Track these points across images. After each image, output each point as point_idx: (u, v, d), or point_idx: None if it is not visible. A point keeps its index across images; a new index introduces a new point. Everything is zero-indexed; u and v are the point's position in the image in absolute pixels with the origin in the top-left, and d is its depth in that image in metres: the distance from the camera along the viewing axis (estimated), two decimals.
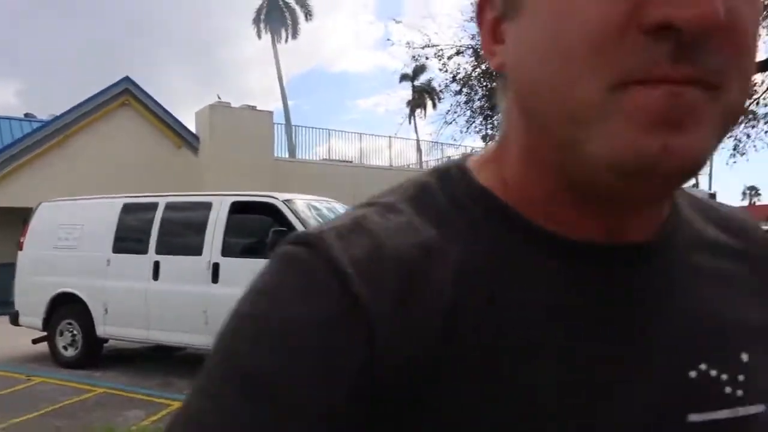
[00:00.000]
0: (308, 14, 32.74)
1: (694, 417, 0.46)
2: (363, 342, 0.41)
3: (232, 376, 0.41)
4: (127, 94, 16.31)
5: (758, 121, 12.96)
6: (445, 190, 0.51)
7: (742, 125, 13.20)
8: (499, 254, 0.47)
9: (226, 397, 0.41)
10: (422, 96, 36.07)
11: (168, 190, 8.77)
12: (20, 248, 8.14)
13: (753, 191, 47.23)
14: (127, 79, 16.49)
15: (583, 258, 0.47)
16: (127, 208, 7.63)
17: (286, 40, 32.35)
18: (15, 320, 8.03)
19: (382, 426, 0.41)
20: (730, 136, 13.43)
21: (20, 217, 11.04)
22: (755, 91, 11.89)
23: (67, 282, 7.62)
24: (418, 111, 37.30)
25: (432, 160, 21.05)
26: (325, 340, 0.41)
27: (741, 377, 0.48)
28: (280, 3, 31.80)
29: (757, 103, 12.33)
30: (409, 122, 36.28)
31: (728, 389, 0.48)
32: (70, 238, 7.75)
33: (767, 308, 0.54)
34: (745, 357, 0.49)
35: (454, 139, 13.48)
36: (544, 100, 0.43)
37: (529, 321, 0.45)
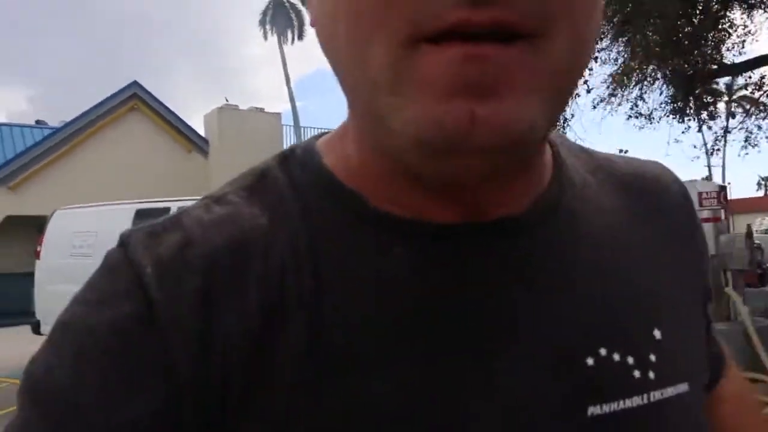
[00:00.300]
0: None
1: (594, 410, 0.40)
2: (159, 351, 0.37)
3: (29, 389, 0.39)
4: (135, 99, 16.37)
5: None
6: (284, 173, 0.45)
7: (753, 117, 13.16)
8: (335, 242, 0.41)
9: (24, 410, 0.39)
10: None
11: (180, 194, 8.81)
12: (37, 257, 8.21)
13: (767, 182, 46.78)
14: (135, 83, 16.55)
15: (434, 241, 0.41)
16: (140, 214, 7.65)
17: (293, 41, 32.41)
18: (37, 329, 8.06)
19: None
20: (741, 128, 13.39)
21: (35, 225, 11.14)
22: (764, 82, 11.83)
23: None
24: None
25: None
26: (120, 350, 0.38)
27: (653, 357, 0.43)
28: (286, 4, 31.83)
29: None
30: None
31: (637, 373, 0.42)
32: (84, 245, 7.80)
33: (681, 274, 0.49)
34: (657, 334, 0.44)
35: None
36: (343, 64, 0.37)
37: (369, 316, 0.39)
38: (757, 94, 12.58)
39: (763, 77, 11.87)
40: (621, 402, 0.41)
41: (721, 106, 13.49)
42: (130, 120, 16.29)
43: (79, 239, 7.87)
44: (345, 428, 0.37)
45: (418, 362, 0.39)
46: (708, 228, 6.33)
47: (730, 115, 14.95)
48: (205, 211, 0.43)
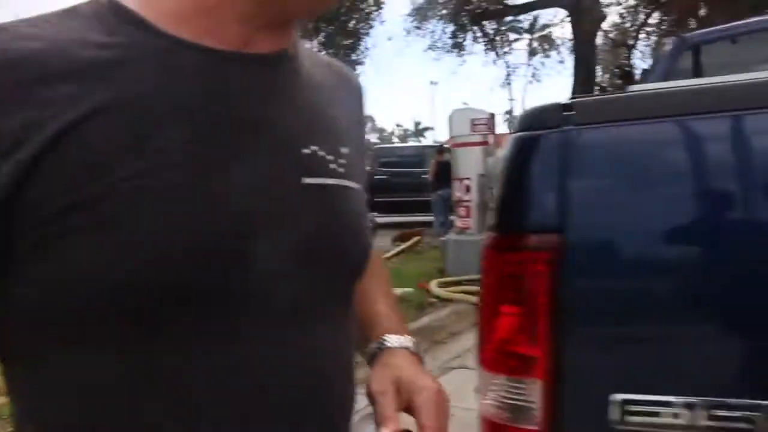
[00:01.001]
0: None
1: (307, 180, 0.58)
2: None
3: None
4: None
5: (552, 50, 14.48)
6: (90, 8, 0.55)
7: (538, 54, 14.66)
8: (132, 53, 0.52)
9: None
10: None
11: None
12: None
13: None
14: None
15: (218, 60, 0.55)
16: None
17: None
18: None
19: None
20: (529, 65, 14.90)
21: None
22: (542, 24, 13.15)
23: None
24: None
25: None
26: None
27: (342, 161, 0.62)
28: None
29: (551, 32, 13.79)
30: None
31: (333, 166, 0.61)
32: None
33: (358, 130, 0.73)
34: (345, 150, 0.63)
35: None
36: None
37: (162, 99, 0.51)
38: (538, 34, 13.95)
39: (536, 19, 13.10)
40: (322, 179, 0.60)
41: (523, 44, 14.86)
42: None
43: None
44: (145, 159, 0.49)
45: (195, 131, 0.52)
46: (478, 151, 7.01)
47: (531, 52, 16.35)
48: (13, 27, 0.51)
